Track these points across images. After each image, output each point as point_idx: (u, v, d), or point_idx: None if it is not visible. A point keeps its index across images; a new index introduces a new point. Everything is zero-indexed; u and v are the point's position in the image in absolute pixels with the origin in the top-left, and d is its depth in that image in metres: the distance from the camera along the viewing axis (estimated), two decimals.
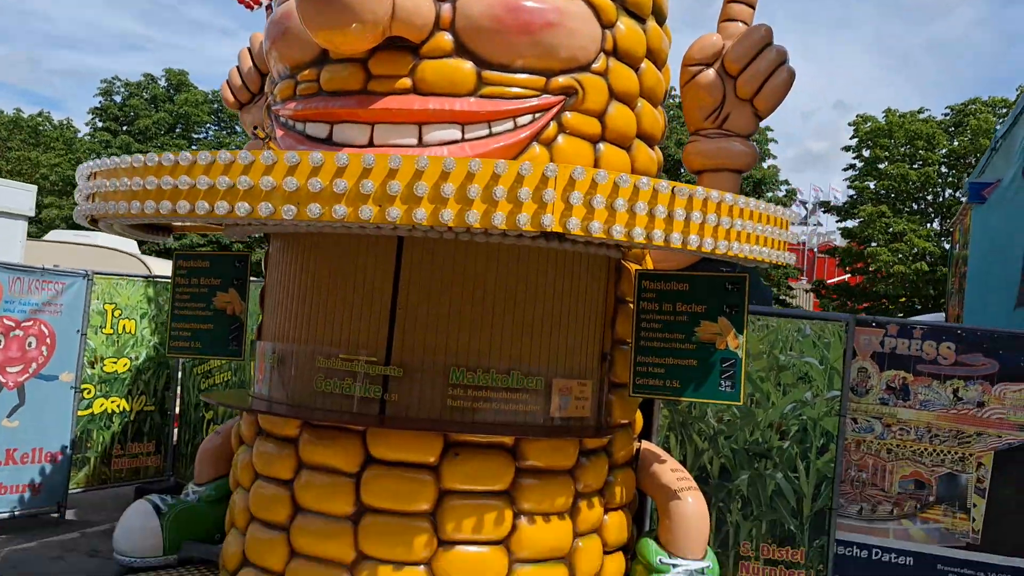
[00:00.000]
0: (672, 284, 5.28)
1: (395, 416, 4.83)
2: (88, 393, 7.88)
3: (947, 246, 24.20)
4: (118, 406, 8.19)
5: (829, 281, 31.81)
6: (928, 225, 27.95)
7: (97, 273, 7.91)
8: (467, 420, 4.85)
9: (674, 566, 5.20)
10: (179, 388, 8.68)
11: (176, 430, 8.74)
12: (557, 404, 5.07)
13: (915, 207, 28.44)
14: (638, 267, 5.53)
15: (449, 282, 4.93)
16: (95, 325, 7.90)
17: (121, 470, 8.30)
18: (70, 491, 7.68)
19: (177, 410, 8.74)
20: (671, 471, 5.53)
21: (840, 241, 31.22)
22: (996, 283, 10.07)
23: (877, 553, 6.08)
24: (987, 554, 5.90)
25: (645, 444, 5.86)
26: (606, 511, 5.37)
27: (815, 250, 43.11)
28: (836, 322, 6.10)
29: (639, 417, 5.89)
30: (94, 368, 7.94)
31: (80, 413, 7.80)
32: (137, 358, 8.32)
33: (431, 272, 4.93)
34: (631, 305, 5.42)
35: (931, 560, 5.99)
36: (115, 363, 8.15)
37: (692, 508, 5.33)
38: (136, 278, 8.35)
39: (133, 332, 8.25)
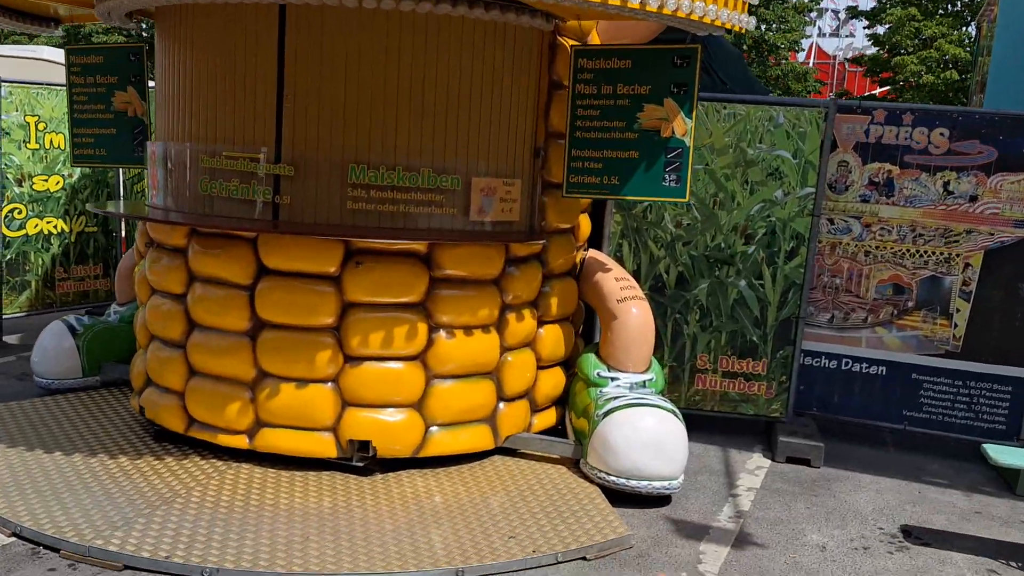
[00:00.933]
0: (612, 61, 4.51)
1: (289, 221, 4.27)
2: (19, 214, 7.39)
3: None
4: (55, 227, 7.71)
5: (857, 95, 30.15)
6: (962, 29, 25.98)
7: (9, 81, 7.21)
8: (370, 225, 4.28)
9: (612, 379, 4.76)
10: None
11: (125, 252, 8.32)
12: (478, 206, 4.46)
13: (948, 8, 26.35)
14: (577, 44, 4.75)
15: (343, 65, 4.21)
16: (17, 139, 7.27)
17: (67, 294, 7.94)
18: (11, 315, 7.37)
19: (124, 232, 8.28)
20: (615, 280, 4.99)
21: (870, 50, 29.34)
22: (1020, 72, 9.08)
23: (847, 363, 5.62)
24: (967, 362, 5.42)
25: (592, 253, 5.30)
26: (540, 324, 4.89)
27: (846, 63, 40.82)
28: (814, 108, 5.33)
29: (584, 223, 5.29)
30: (22, 187, 7.40)
31: (12, 234, 7.35)
32: (71, 176, 7.76)
33: (321, 54, 4.20)
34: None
35: (905, 369, 5.52)
36: (46, 181, 7.60)
37: (635, 319, 4.83)
38: (58, 87, 7.63)
39: (63, 147, 7.64)
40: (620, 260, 5.49)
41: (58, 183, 7.69)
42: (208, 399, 4.44)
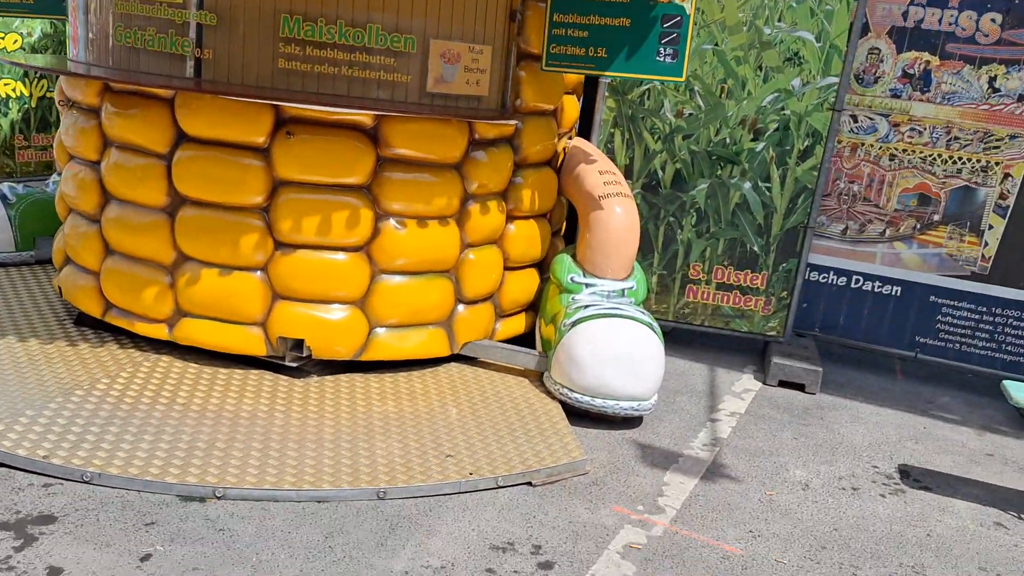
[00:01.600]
0: None
1: (211, 80, 3.66)
2: None
3: None
4: (14, 90, 7.13)
5: None
6: None
7: None
8: (305, 89, 3.67)
9: (587, 286, 4.20)
10: None
11: None
12: (437, 75, 3.82)
13: None
14: None
15: None
16: None
17: (29, 163, 7.41)
18: None
19: None
20: (598, 173, 4.37)
21: None
22: None
23: (857, 281, 5.02)
24: (995, 286, 4.80)
25: (576, 141, 4.66)
26: (510, 219, 4.30)
27: None
28: None
29: (570, 106, 4.64)
30: None
31: None
32: (30, 34, 7.12)
33: None
34: None
35: (923, 291, 4.92)
36: (2, 39, 6.98)
37: (617, 219, 4.23)
38: None
39: None
40: (611, 153, 4.86)
41: (15, 41, 7.07)
42: (125, 282, 3.94)
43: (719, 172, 4.84)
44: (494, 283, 4.26)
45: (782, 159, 4.76)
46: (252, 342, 3.88)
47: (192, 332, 3.88)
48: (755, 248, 4.89)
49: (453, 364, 4.29)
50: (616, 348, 3.84)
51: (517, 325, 4.51)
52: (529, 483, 3.34)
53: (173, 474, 3.06)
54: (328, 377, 3.98)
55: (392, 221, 3.87)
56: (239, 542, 2.79)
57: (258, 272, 3.82)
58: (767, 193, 4.82)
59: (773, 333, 5.01)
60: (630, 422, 4.00)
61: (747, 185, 4.82)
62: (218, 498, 3.01)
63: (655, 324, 4.06)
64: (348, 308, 3.91)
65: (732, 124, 4.77)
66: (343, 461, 3.26)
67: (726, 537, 3.16)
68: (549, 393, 4.04)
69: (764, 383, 4.77)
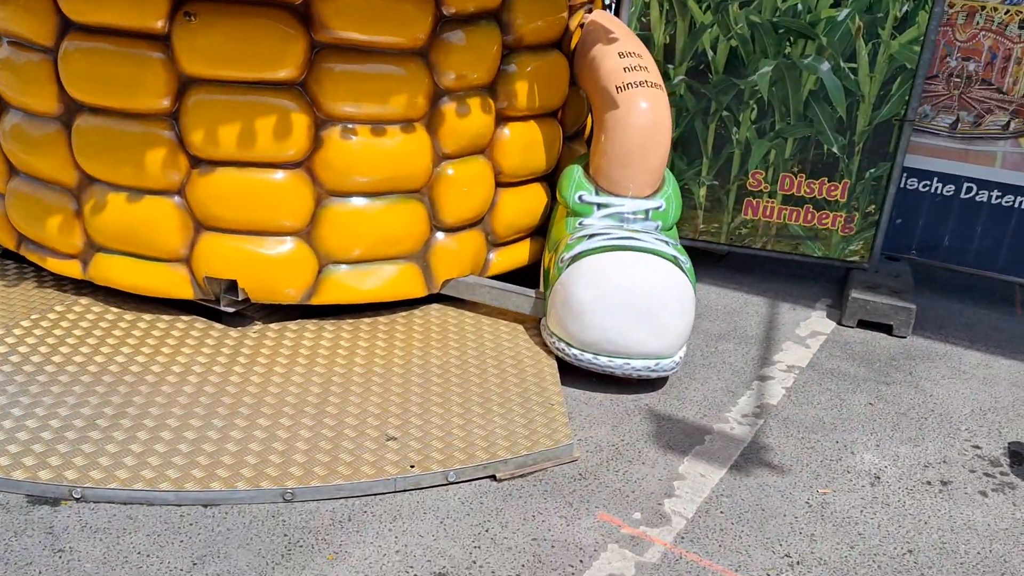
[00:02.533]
0: None
1: None
2: None
3: None
4: None
5: None
6: None
7: None
8: None
9: (600, 206, 3.27)
10: None
11: None
12: None
13: None
14: None
15: None
16: None
17: None
18: None
19: None
20: (618, 56, 3.35)
21: None
22: None
23: (970, 189, 3.88)
24: None
25: (596, 15, 3.63)
26: (502, 120, 3.37)
27: None
28: None
29: None
30: None
31: None
32: None
33: None
34: None
35: None
36: None
37: (638, 117, 3.23)
38: None
39: None
40: (645, 31, 3.81)
41: None
42: (30, 208, 3.25)
43: (788, 50, 3.73)
44: (482, 204, 3.38)
45: (872, 31, 3.61)
46: (176, 282, 3.15)
47: (107, 271, 3.18)
48: (834, 149, 3.80)
49: (434, 306, 3.48)
50: (627, 291, 2.93)
51: (518, 255, 3.63)
52: (492, 477, 2.55)
53: (26, 466, 2.40)
54: (273, 325, 3.24)
55: (337, 128, 3.02)
56: (76, 571, 2.12)
57: (175, 197, 3.06)
58: (851, 77, 3.69)
59: (855, 258, 3.97)
60: (648, 383, 3.13)
61: (825, 66, 3.70)
62: (76, 500, 2.34)
63: (684, 257, 3.12)
64: (290, 240, 3.12)
65: None
66: (250, 448, 2.53)
67: (751, 566, 2.31)
68: (546, 346, 3.20)
69: (839, 323, 3.77)
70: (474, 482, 2.53)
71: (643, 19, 3.83)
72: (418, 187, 3.22)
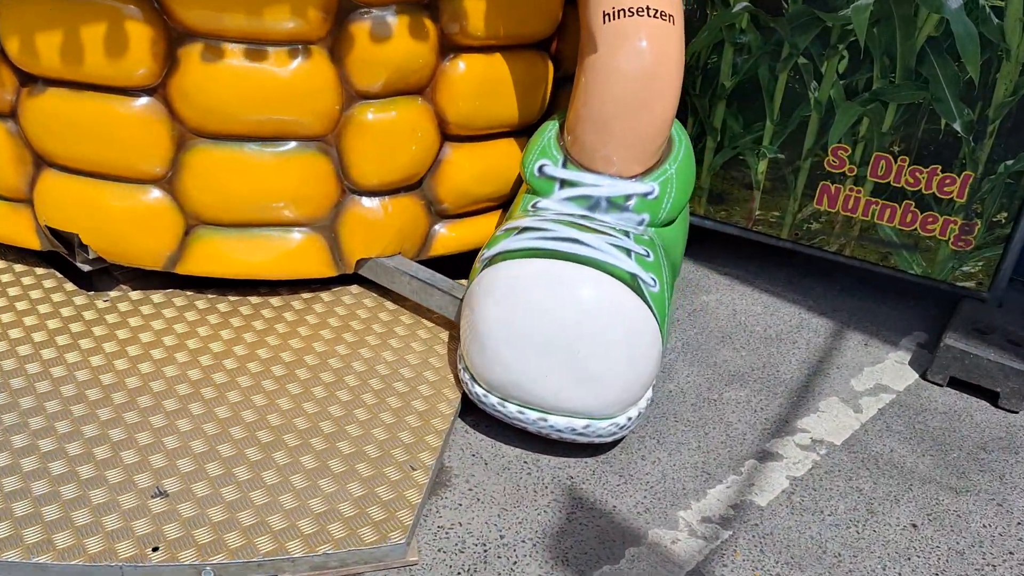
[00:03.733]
0: None
1: None
2: None
3: None
4: None
5: None
6: None
7: None
8: None
9: (563, 183, 2.32)
10: None
11: None
12: None
13: None
14: None
15: None
16: None
17: None
18: None
19: None
20: None
21: None
22: None
23: None
24: None
25: None
26: (450, 49, 2.44)
27: None
28: None
29: None
30: None
31: None
32: None
33: None
34: None
35: None
36: None
37: (627, 62, 2.21)
38: None
39: None
40: None
41: None
42: None
43: None
44: (413, 162, 2.49)
45: None
46: (20, 228, 2.53)
47: None
48: (955, 126, 2.60)
49: (352, 289, 2.68)
50: (546, 320, 2.01)
51: (482, 232, 2.74)
52: None
53: None
54: (136, 296, 2.57)
55: (199, 45, 2.22)
56: None
57: (7, 120, 2.40)
58: (993, 20, 2.45)
59: (969, 284, 2.78)
60: (588, 444, 2.21)
61: (953, 1, 2.48)
62: None
63: (651, 281, 2.12)
64: (145, 189, 2.40)
65: None
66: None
67: None
68: None
69: (923, 376, 2.66)
70: None
71: None
72: (320, 133, 2.38)
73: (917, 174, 2.71)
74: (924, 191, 2.72)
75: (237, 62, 2.24)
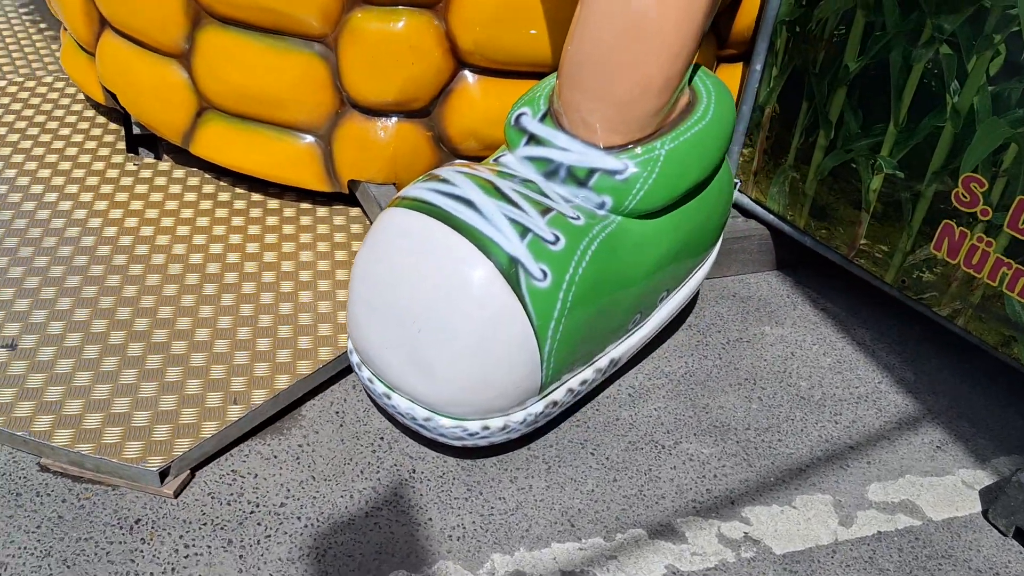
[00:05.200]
0: None
1: None
2: None
3: None
4: None
5: None
6: None
7: None
8: None
9: (530, 139, 1.91)
10: None
11: None
12: None
13: None
14: None
15: None
16: None
17: None
18: None
19: None
20: None
21: None
22: None
23: None
24: None
25: None
26: None
27: None
28: None
29: None
30: None
31: None
32: None
33: None
34: None
35: None
36: None
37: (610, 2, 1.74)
38: None
39: None
40: None
41: None
42: None
43: None
44: (409, 82, 2.21)
45: None
46: (92, 80, 2.70)
47: None
48: None
49: (352, 211, 2.51)
50: (390, 285, 1.69)
51: None
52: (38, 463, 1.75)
53: None
54: (164, 167, 2.64)
55: None
56: None
57: None
58: None
59: None
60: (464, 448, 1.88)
61: None
62: None
63: (538, 273, 1.66)
64: (168, 62, 2.41)
65: None
66: None
67: None
68: None
69: (984, 515, 1.88)
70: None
71: None
72: (320, 34, 2.22)
73: None
74: None
75: None
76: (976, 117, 1.96)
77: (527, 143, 1.91)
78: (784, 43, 2.35)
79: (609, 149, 1.84)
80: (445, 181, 1.79)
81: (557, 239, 1.71)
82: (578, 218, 1.77)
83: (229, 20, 2.27)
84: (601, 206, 1.83)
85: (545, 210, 1.75)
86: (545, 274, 1.68)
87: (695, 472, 1.91)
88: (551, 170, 1.86)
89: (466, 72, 2.28)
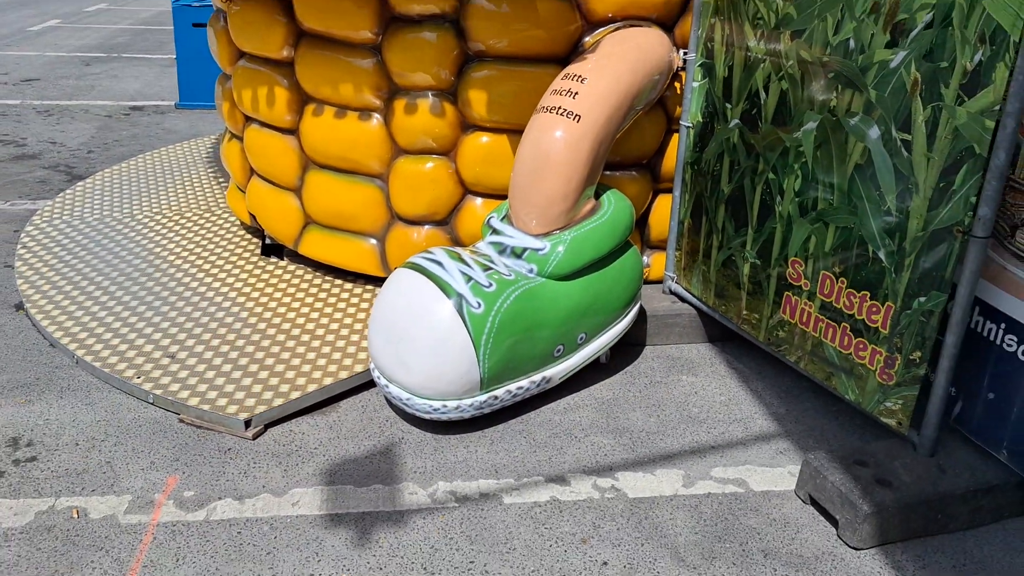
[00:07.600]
0: None
1: None
2: None
3: None
4: None
5: None
6: None
7: None
8: None
9: (493, 232, 3.00)
10: None
11: None
12: None
13: None
14: None
15: None
16: None
17: None
18: None
19: None
20: (563, 77, 2.94)
21: None
22: None
23: None
24: None
25: (623, 32, 3.14)
26: (467, 128, 3.25)
27: None
28: None
29: None
30: None
31: None
32: None
33: None
34: None
35: None
36: None
37: (528, 147, 2.88)
38: None
39: None
40: (709, 58, 3.13)
41: None
42: None
43: (834, 103, 2.66)
44: (434, 203, 3.37)
45: (934, 85, 2.35)
46: (243, 208, 4.05)
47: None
48: (880, 254, 2.60)
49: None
50: (386, 307, 2.78)
51: None
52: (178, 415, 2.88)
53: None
54: (284, 264, 3.90)
55: (313, 106, 3.45)
56: None
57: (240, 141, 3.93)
58: (904, 153, 2.46)
59: (891, 421, 2.66)
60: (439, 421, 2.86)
61: (874, 132, 2.54)
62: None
63: (475, 304, 2.68)
64: (287, 195, 3.71)
65: (860, 12, 2.53)
66: None
67: None
68: None
69: (796, 491, 2.64)
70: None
71: (708, 45, 3.14)
72: (378, 172, 3.44)
73: (852, 298, 2.72)
74: (857, 316, 2.71)
75: (331, 118, 3.43)
76: (792, 219, 2.89)
77: (491, 233, 3.01)
78: (690, 177, 3.37)
79: (537, 236, 2.90)
80: (430, 252, 2.89)
81: (491, 285, 2.76)
82: (510, 275, 2.82)
83: (325, 166, 3.54)
84: (531, 271, 2.87)
85: (486, 268, 2.81)
86: (480, 305, 2.72)
87: (592, 452, 2.80)
88: (502, 249, 2.93)
89: (470, 195, 3.42)
